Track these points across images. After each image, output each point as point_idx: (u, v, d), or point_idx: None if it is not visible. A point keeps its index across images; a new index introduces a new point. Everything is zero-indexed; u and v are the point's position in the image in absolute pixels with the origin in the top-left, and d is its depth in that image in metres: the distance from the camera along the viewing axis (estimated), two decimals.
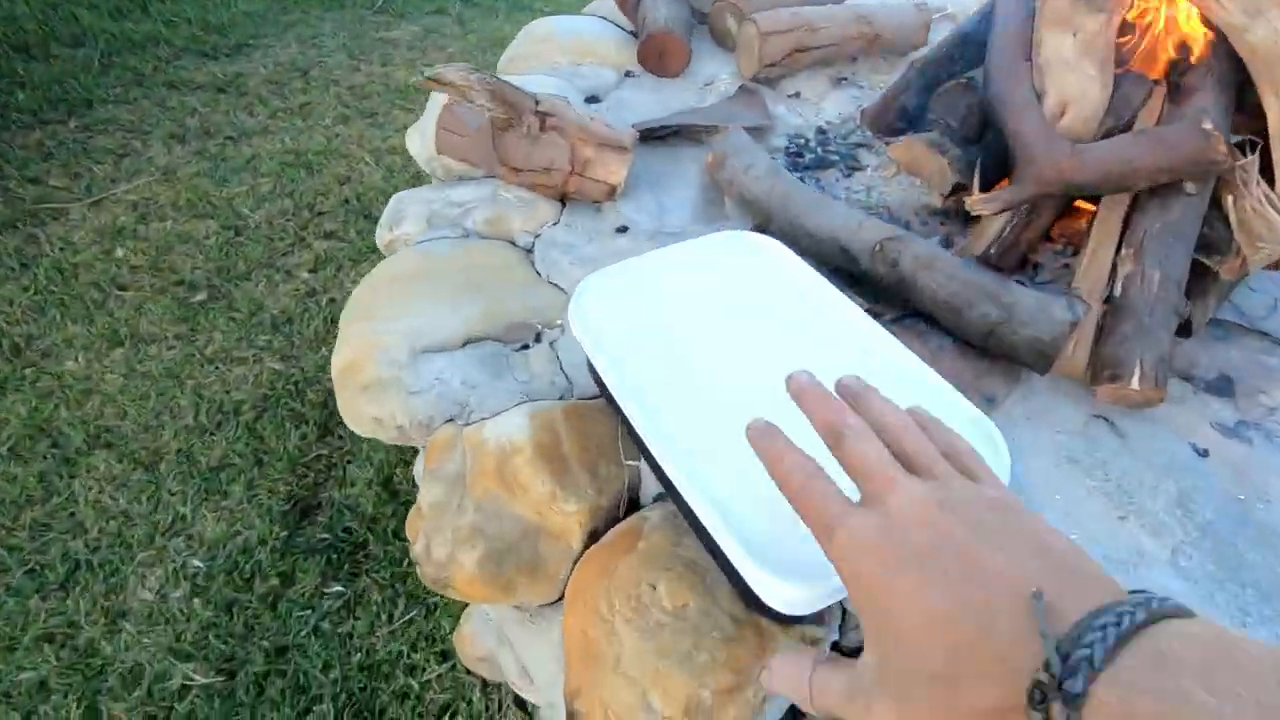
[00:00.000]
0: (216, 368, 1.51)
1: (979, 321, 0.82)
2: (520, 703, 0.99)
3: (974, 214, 0.91)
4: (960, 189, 1.02)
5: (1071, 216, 1.00)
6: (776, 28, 1.32)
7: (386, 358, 0.88)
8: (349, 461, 1.32)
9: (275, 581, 1.16)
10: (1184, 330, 0.88)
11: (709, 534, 0.53)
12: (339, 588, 1.15)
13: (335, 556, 1.19)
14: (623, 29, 1.55)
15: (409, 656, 1.06)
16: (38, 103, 2.30)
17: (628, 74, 1.43)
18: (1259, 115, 0.84)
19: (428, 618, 1.11)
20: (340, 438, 1.38)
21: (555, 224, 1.09)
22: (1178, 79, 0.91)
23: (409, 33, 2.97)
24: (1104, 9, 0.88)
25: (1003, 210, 0.89)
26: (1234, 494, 0.76)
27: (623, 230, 1.07)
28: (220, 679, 1.04)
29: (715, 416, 0.57)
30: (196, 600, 1.13)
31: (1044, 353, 0.80)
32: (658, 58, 1.40)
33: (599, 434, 0.79)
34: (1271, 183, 0.83)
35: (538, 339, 0.94)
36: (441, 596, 1.12)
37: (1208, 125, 0.80)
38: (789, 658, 0.40)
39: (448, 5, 3.19)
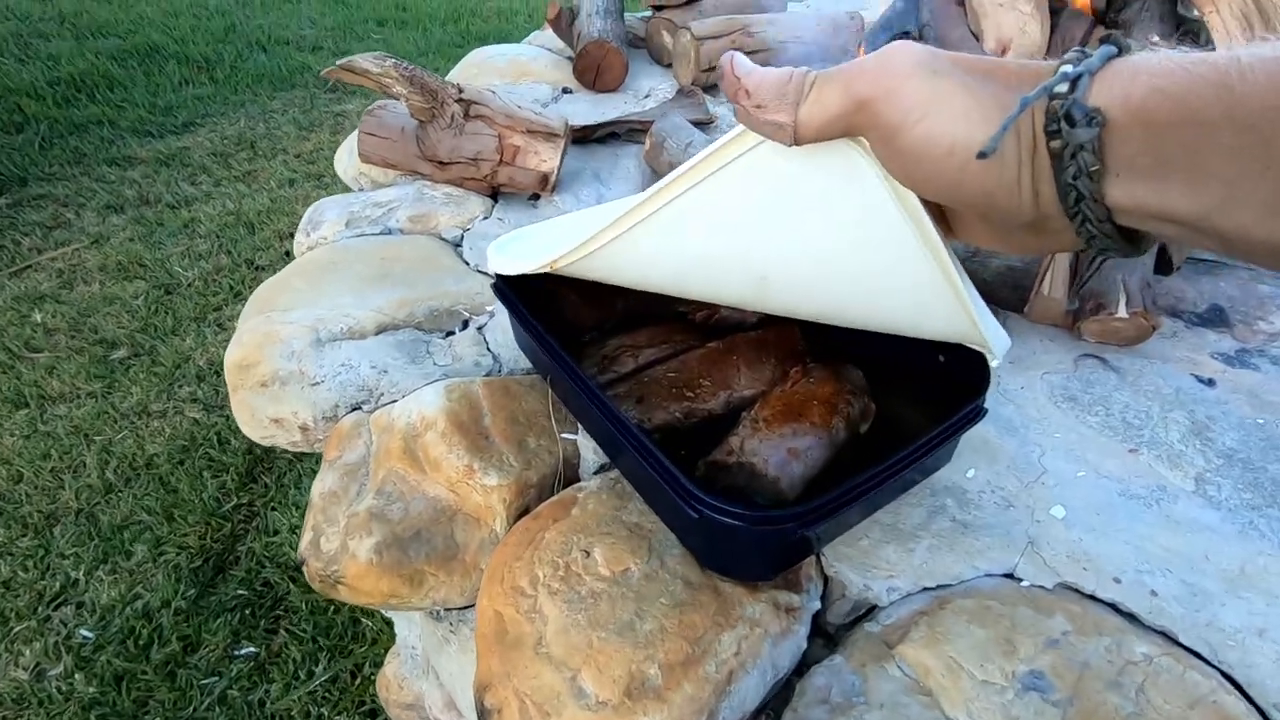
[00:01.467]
0: (130, 423, 1.37)
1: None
2: None
3: None
4: None
5: None
6: (712, 32, 1.31)
7: (285, 350, 0.77)
8: (272, 508, 1.18)
9: (176, 647, 0.99)
10: (1164, 268, 0.81)
11: (649, 462, 0.43)
12: (251, 648, 0.99)
13: (250, 613, 1.03)
14: (559, 54, 1.54)
15: None
16: None
17: (565, 90, 1.40)
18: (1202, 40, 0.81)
19: (355, 675, 0.95)
20: (265, 485, 1.23)
21: (486, 218, 1.01)
22: (1115, 16, 0.88)
23: (362, 105, 3.00)
24: None
25: None
26: (1253, 419, 0.67)
27: None
28: None
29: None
30: (79, 676, 0.96)
31: (1018, 284, 0.73)
32: (595, 72, 1.37)
33: (528, 409, 0.68)
34: None
35: (465, 325, 0.84)
36: (368, 645, 0.96)
37: (1155, 39, 0.76)
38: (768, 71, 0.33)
39: None
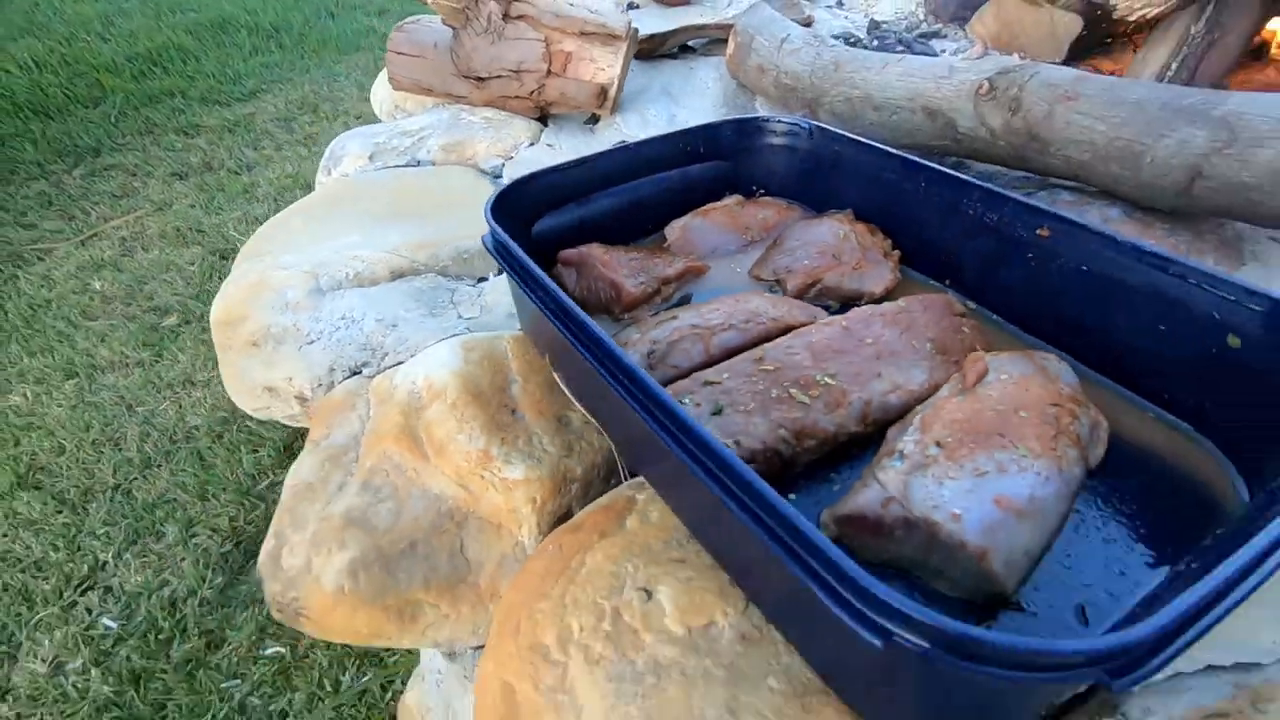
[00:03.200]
0: (174, 392, 1.29)
1: (1172, 159, 0.50)
2: None
3: (1136, 16, 0.60)
4: (1094, 28, 0.72)
5: (1270, 30, 0.68)
6: None
7: (278, 300, 0.61)
8: None
9: (198, 643, 0.88)
10: None
11: (769, 526, 0.22)
12: (277, 648, 0.87)
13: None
14: None
15: None
16: (45, 155, 2.25)
17: (631, 5, 1.19)
18: None
19: (385, 689, 0.81)
20: None
21: (533, 144, 0.83)
22: None
23: None
24: None
25: (1185, 1, 0.58)
26: None
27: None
28: None
29: None
30: (95, 671, 0.86)
31: None
32: None
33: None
34: None
35: (500, 271, 0.67)
36: (402, 653, 0.82)
37: None
38: None
39: None
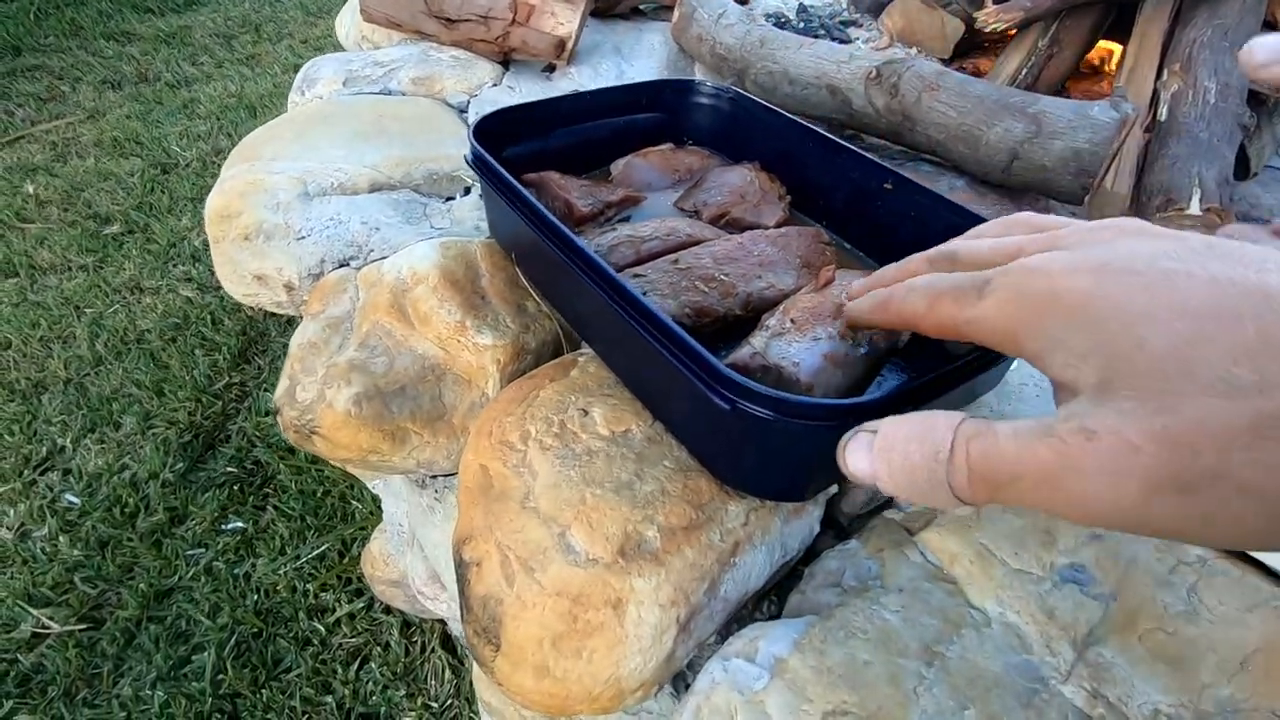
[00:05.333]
0: (122, 297, 1.33)
1: (999, 144, 0.66)
2: (448, 643, 0.81)
3: (989, 29, 0.76)
4: (969, 33, 0.87)
5: (1103, 48, 0.86)
6: None
7: (270, 200, 0.70)
8: (265, 389, 1.14)
9: (162, 517, 0.97)
10: (1241, 170, 0.73)
11: (666, 341, 0.35)
12: (239, 523, 0.97)
13: (239, 489, 1.00)
14: None
15: (316, 597, 0.88)
16: None
17: None
18: None
19: (342, 553, 0.93)
20: (259, 366, 1.20)
21: (495, 85, 0.93)
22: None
23: None
24: None
25: (1024, 20, 0.74)
26: None
27: None
28: (82, 626, 0.85)
29: None
30: (63, 538, 0.94)
31: (1084, 169, 0.65)
32: None
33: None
34: None
35: (467, 191, 0.77)
36: (356, 525, 0.94)
37: None
38: (906, 418, 0.24)
39: None
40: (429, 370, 0.54)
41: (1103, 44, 0.87)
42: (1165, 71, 0.73)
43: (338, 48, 2.40)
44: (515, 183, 0.45)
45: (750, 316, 0.43)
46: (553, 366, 0.52)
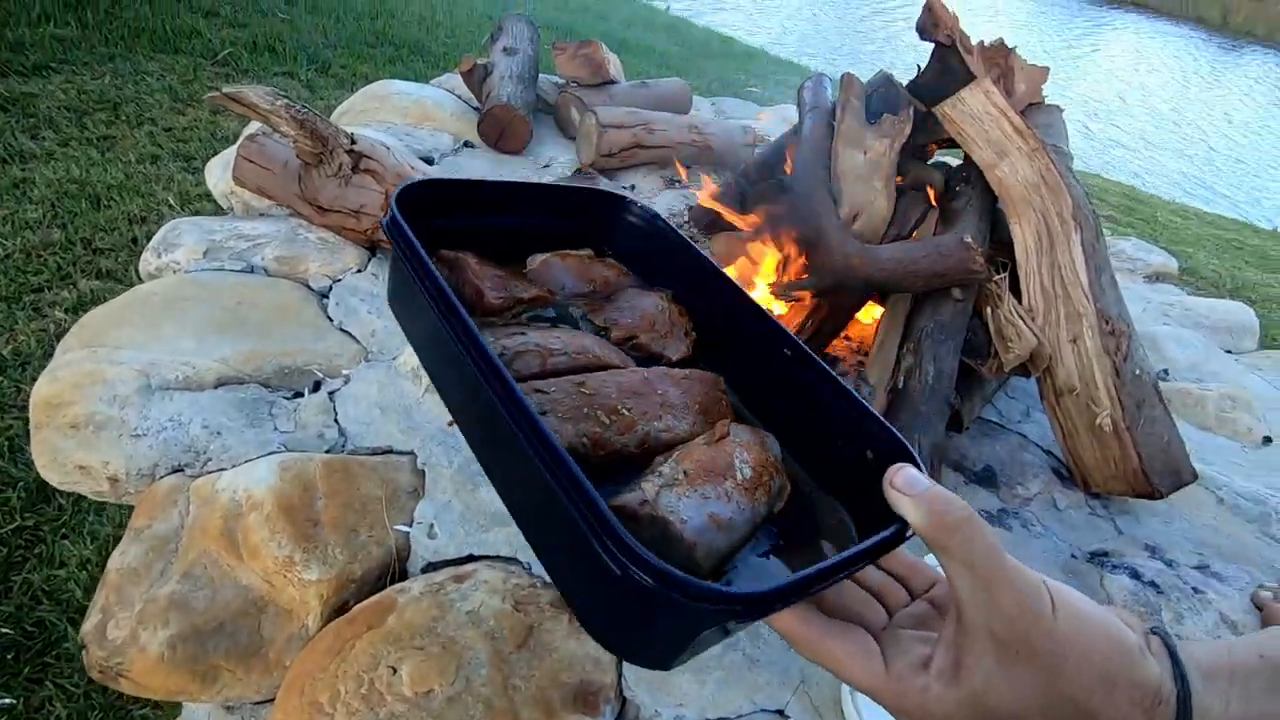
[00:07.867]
0: None
1: None
2: None
3: (782, 298, 0.95)
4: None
5: (862, 324, 1.09)
6: (616, 122, 1.38)
7: (108, 392, 0.71)
8: (63, 536, 1.07)
9: None
10: (955, 426, 0.95)
11: (569, 490, 0.34)
12: (8, 699, 0.88)
13: (14, 657, 0.92)
14: (467, 103, 1.55)
15: None
16: None
17: (466, 144, 1.41)
18: (1012, 244, 0.97)
19: None
20: (59, 506, 1.12)
21: (360, 271, 1.00)
22: (947, 205, 1.03)
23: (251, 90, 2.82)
24: (888, 135, 1.00)
25: (805, 292, 0.94)
26: None
27: None
28: None
29: None
30: None
31: None
32: (499, 134, 1.40)
33: (366, 494, 0.68)
34: (1019, 298, 0.94)
35: (316, 388, 0.82)
36: (150, 708, 0.89)
37: (968, 239, 0.90)
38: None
39: (297, 70, 3.09)
40: (251, 604, 0.58)
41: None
42: (905, 345, 0.94)
43: (201, 148, 2.36)
44: (428, 260, 0.42)
45: (640, 455, 0.43)
46: (372, 609, 0.57)
